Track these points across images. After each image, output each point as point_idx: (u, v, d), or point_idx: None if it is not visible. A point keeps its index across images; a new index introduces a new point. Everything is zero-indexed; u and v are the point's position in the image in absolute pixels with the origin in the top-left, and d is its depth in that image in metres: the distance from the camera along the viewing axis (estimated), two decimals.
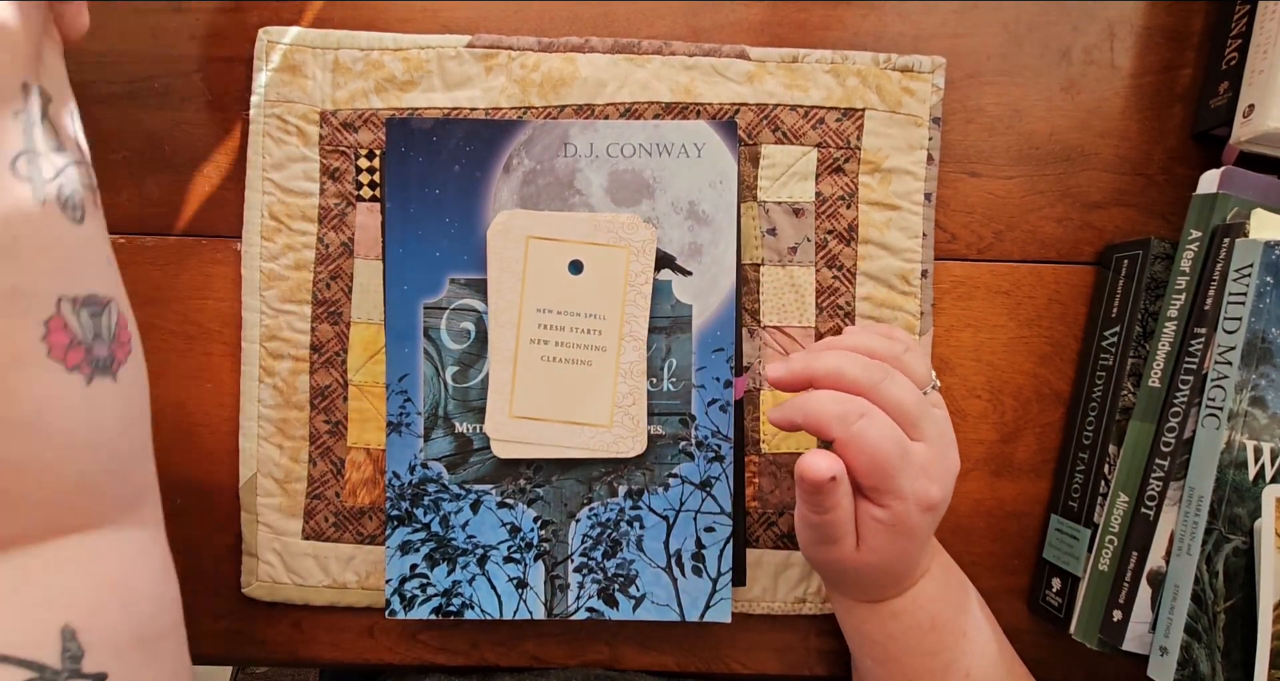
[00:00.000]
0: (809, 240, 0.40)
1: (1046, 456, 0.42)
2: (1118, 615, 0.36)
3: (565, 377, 0.38)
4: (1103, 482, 0.38)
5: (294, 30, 0.40)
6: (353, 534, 0.41)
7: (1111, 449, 0.38)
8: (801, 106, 0.40)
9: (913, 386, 0.31)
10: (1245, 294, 0.33)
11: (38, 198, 0.24)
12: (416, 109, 0.40)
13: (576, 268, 0.38)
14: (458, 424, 0.39)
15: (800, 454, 0.40)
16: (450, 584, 0.38)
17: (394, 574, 0.38)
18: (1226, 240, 0.35)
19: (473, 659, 0.42)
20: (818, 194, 0.40)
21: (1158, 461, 0.36)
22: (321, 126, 0.40)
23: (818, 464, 0.29)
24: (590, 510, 0.39)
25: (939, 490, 0.31)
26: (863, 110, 0.40)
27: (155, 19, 0.41)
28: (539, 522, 0.39)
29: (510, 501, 0.39)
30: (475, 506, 0.39)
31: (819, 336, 0.40)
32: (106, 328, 0.26)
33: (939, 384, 0.34)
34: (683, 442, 0.38)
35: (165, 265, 0.41)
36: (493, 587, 0.38)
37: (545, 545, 0.39)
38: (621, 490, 0.39)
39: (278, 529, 0.41)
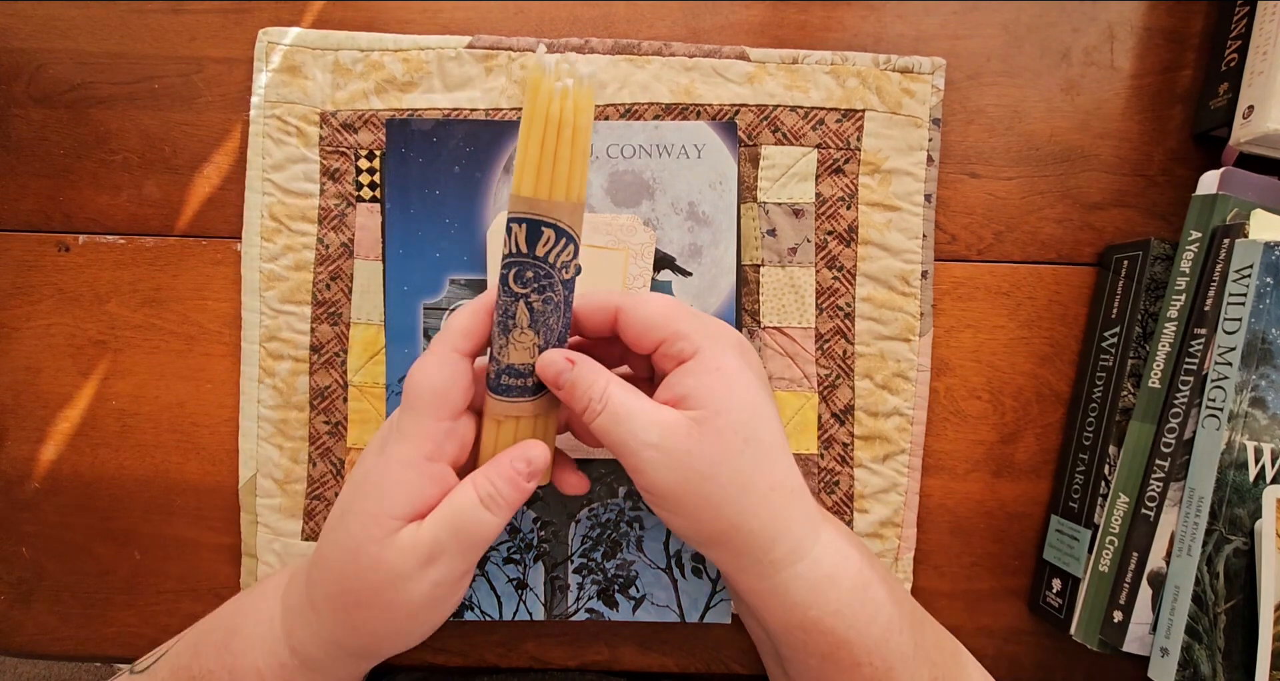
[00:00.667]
0: (809, 241, 0.40)
1: (1047, 457, 0.42)
2: (1118, 616, 0.36)
3: None
4: (1103, 483, 0.38)
5: (294, 31, 0.40)
6: None
7: (1112, 449, 0.38)
8: (801, 107, 0.40)
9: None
10: (1245, 294, 0.33)
11: None
12: (416, 110, 0.40)
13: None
14: None
15: (799, 454, 0.40)
16: None
17: None
18: (1226, 241, 0.35)
19: (472, 659, 0.42)
20: (818, 195, 0.40)
21: (1158, 462, 0.36)
22: (321, 127, 0.40)
23: (550, 354, 0.28)
24: (590, 511, 0.39)
25: (729, 334, 0.30)
26: (863, 111, 0.40)
27: (155, 19, 0.41)
28: (539, 523, 0.39)
29: None
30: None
31: (819, 337, 0.40)
32: None
33: None
34: None
35: (165, 265, 0.41)
36: (492, 588, 0.38)
37: (545, 546, 0.39)
38: (621, 491, 0.39)
39: (277, 529, 0.41)
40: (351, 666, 0.30)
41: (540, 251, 0.27)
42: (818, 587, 0.29)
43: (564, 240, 0.27)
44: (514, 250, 0.27)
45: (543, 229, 0.27)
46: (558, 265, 0.28)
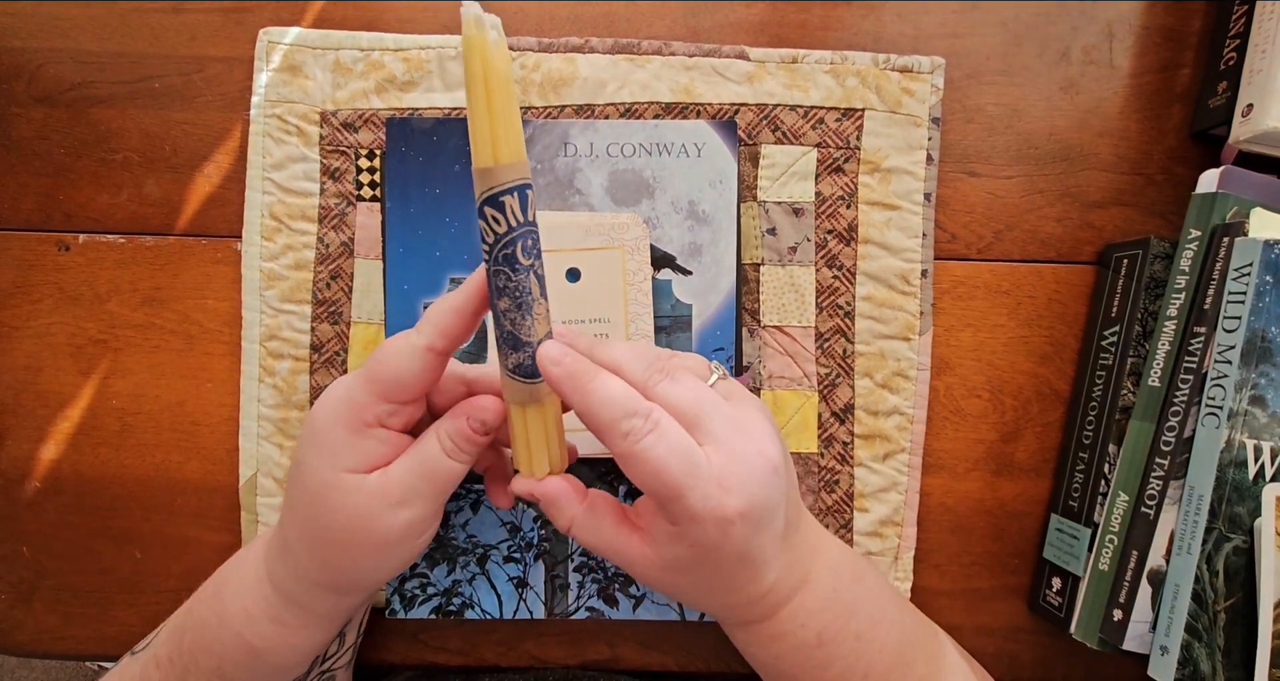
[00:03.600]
0: (809, 240, 0.40)
1: (1046, 456, 0.42)
2: (1118, 614, 0.36)
3: None
4: (1103, 482, 0.38)
5: (294, 31, 0.40)
6: None
7: (1111, 448, 0.38)
8: (801, 106, 0.40)
9: (695, 380, 0.29)
10: (1245, 293, 0.33)
11: None
12: (417, 109, 0.40)
13: (574, 275, 0.38)
14: None
15: (799, 453, 0.40)
16: (450, 583, 0.38)
17: None
18: (1226, 239, 0.35)
19: (472, 658, 0.42)
20: (817, 194, 0.40)
21: (1158, 460, 0.36)
22: (322, 126, 0.40)
23: (498, 501, 0.32)
24: None
25: (738, 499, 0.27)
26: (862, 110, 0.40)
27: (155, 19, 0.41)
28: (539, 522, 0.39)
29: None
30: (475, 505, 0.39)
31: (819, 336, 0.40)
32: None
33: (724, 371, 0.31)
34: None
35: (165, 265, 0.41)
36: (493, 587, 0.38)
37: (545, 544, 0.39)
38: (622, 489, 0.39)
39: None
40: (331, 601, 0.31)
41: (532, 215, 0.27)
42: (761, 642, 0.31)
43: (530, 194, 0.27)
44: (517, 221, 0.26)
45: (527, 191, 0.26)
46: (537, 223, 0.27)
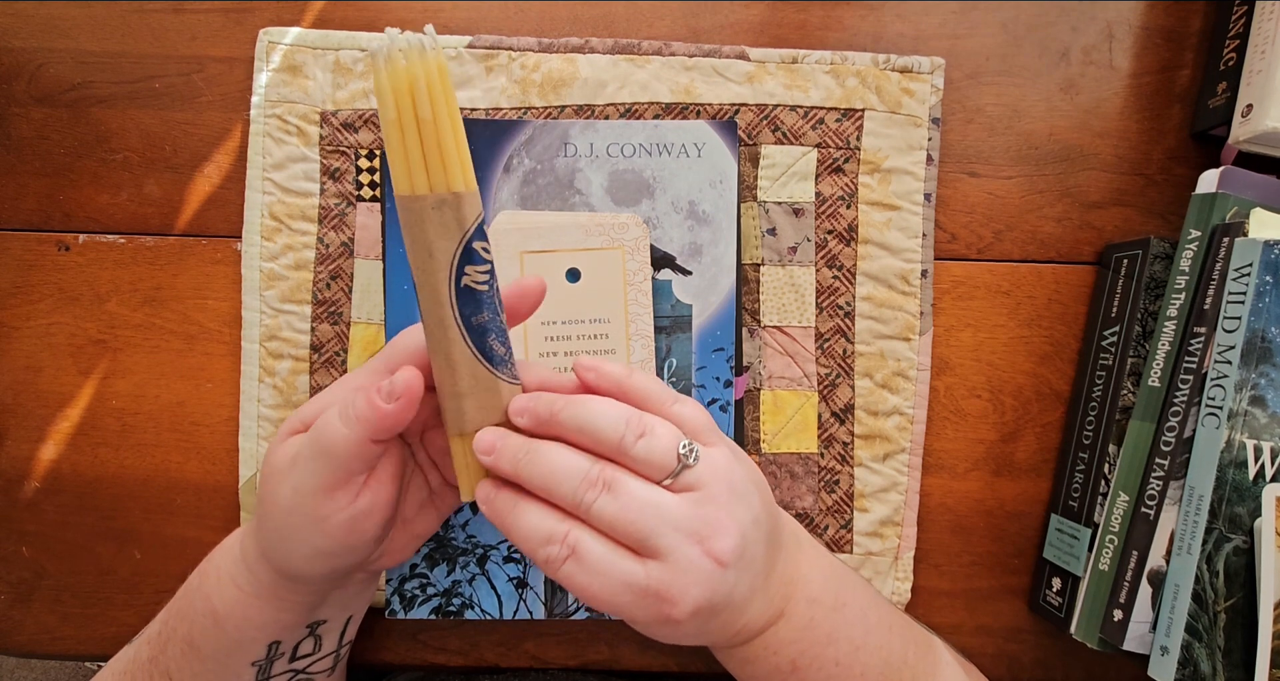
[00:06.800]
0: (809, 240, 0.40)
1: (1046, 456, 0.42)
2: (1118, 614, 0.36)
3: None
4: (1103, 482, 0.38)
5: (295, 31, 0.40)
6: None
7: (1111, 448, 0.38)
8: (801, 107, 0.40)
9: (640, 491, 0.26)
10: (1244, 293, 0.33)
11: None
12: None
13: (574, 275, 0.37)
14: None
15: (799, 453, 0.40)
16: (450, 583, 0.38)
17: (394, 573, 0.38)
18: (1226, 239, 0.35)
19: (472, 659, 0.42)
20: (817, 194, 0.40)
21: (1158, 460, 0.36)
22: (322, 126, 0.40)
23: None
24: None
25: (683, 607, 0.26)
26: (862, 111, 0.40)
27: (156, 18, 0.41)
28: None
29: None
30: (475, 506, 0.39)
31: (819, 336, 0.40)
32: None
33: (696, 451, 0.28)
34: None
35: (165, 265, 0.41)
36: (493, 587, 0.38)
37: None
38: None
39: None
40: (266, 571, 0.30)
41: None
42: (734, 663, 0.32)
43: None
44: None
45: None
46: None
